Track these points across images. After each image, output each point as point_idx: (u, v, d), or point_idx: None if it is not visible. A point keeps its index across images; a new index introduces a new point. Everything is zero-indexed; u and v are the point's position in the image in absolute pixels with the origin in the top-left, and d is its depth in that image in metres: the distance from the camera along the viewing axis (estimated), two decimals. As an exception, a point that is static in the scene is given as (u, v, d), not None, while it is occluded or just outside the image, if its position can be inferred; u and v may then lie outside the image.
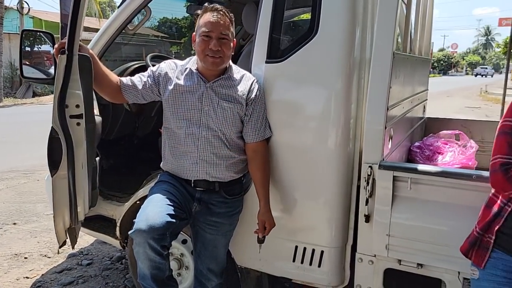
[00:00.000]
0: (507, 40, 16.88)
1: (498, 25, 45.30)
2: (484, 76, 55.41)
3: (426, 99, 3.34)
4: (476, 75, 58.82)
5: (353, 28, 1.89)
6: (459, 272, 1.79)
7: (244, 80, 1.97)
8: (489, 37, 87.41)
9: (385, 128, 1.87)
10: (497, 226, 1.40)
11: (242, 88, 1.94)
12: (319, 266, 2.06)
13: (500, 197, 1.43)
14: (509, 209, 1.37)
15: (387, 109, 1.86)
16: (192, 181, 1.97)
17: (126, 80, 1.98)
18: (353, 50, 1.92)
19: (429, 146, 2.81)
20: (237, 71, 2.00)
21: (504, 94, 13.75)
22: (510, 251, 1.38)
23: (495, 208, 1.42)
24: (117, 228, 2.58)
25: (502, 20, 32.64)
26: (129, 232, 1.77)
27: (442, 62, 72.00)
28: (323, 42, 1.89)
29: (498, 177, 1.34)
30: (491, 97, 21.33)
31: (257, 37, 2.03)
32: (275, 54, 1.99)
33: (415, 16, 2.68)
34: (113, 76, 1.97)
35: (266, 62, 2.01)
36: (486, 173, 1.72)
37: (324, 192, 2.02)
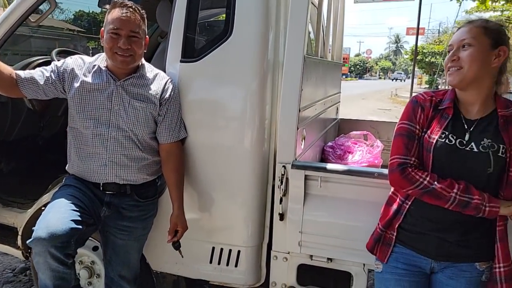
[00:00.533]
0: (413, 48, 18.52)
1: (406, 34, 49.48)
2: (400, 80, 60.64)
3: (339, 101, 3.53)
4: (393, 80, 64.02)
5: (266, 31, 1.93)
6: (364, 264, 1.91)
7: (158, 79, 1.91)
8: (398, 45, 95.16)
9: (298, 128, 1.93)
10: (398, 223, 1.51)
11: (155, 88, 1.88)
12: (236, 266, 2.07)
13: (399, 195, 1.54)
14: (407, 206, 1.48)
15: (299, 110, 1.93)
16: (101, 184, 1.87)
17: (24, 73, 1.81)
18: (267, 53, 1.96)
19: (341, 146, 2.97)
20: (150, 70, 1.93)
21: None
22: (410, 245, 1.49)
23: (395, 206, 1.53)
24: (19, 237, 2.36)
25: (409, 29, 35.76)
26: (27, 241, 1.62)
27: (358, 66, 76.89)
28: (238, 43, 1.91)
29: (396, 176, 1.44)
30: (400, 99, 23.25)
31: (171, 35, 1.98)
32: (190, 53, 1.97)
33: (327, 22, 2.82)
34: (5, 68, 1.78)
35: (181, 62, 1.97)
36: (386, 171, 1.86)
37: (240, 192, 2.03)
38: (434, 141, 1.39)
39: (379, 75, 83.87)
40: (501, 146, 1.36)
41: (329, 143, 2.97)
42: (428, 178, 1.38)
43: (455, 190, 1.34)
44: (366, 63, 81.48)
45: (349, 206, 1.93)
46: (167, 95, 1.89)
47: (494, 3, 10.32)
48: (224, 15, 2.00)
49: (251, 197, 2.03)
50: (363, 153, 2.91)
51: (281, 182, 1.94)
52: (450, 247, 1.42)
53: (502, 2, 10.01)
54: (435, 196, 1.37)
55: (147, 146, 1.90)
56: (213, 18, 2.96)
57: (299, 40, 1.88)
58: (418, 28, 15.96)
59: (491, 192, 1.38)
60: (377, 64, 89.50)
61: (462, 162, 1.37)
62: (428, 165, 1.41)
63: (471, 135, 1.38)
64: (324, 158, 2.87)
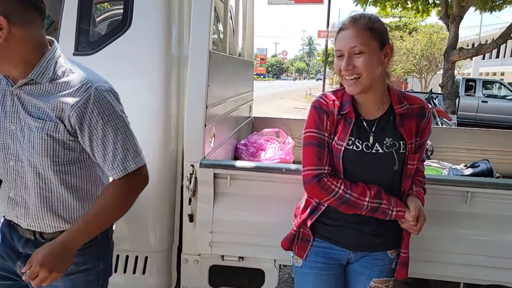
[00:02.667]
0: (324, 50, 19.51)
1: (318, 36, 51.99)
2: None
3: (252, 100, 3.54)
4: (317, 80, 67.37)
5: (168, 25, 1.85)
6: (275, 260, 1.92)
7: (67, 84, 1.22)
8: (311, 47, 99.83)
9: (205, 126, 1.88)
10: (311, 221, 1.50)
11: (59, 98, 1.20)
12: (143, 273, 1.95)
13: (315, 200, 1.52)
14: (323, 208, 1.48)
15: (206, 107, 1.87)
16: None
17: None
18: (170, 47, 1.87)
19: (253, 144, 2.98)
20: (61, 69, 1.24)
21: (323, 97, 15.69)
22: (330, 238, 1.51)
23: (310, 208, 1.52)
24: None
25: (321, 32, 37.59)
26: None
27: (275, 67, 79.09)
28: (137, 37, 1.80)
29: (313, 187, 1.44)
30: (314, 99, 24.28)
31: (62, 26, 1.81)
32: (85, 46, 1.81)
33: (235, 19, 2.80)
34: None
35: (74, 55, 1.80)
36: (293, 166, 1.89)
37: (147, 195, 1.91)
38: (343, 149, 1.41)
39: (294, 75, 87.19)
40: (401, 143, 1.42)
41: (242, 141, 2.96)
42: (342, 187, 1.40)
43: (367, 198, 1.39)
44: (282, 64, 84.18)
45: (259, 203, 1.92)
46: (79, 111, 1.19)
47: (393, 10, 11.25)
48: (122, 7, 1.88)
49: (158, 199, 1.93)
50: (275, 150, 2.94)
51: (190, 182, 1.87)
52: (367, 237, 1.48)
53: (400, 9, 10.94)
54: (350, 205, 1.41)
55: (58, 183, 1.27)
56: (111, 9, 2.79)
57: (203, 34, 1.83)
58: (327, 31, 16.82)
59: (398, 185, 1.46)
60: (292, 65, 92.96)
61: (371, 164, 1.42)
62: (339, 171, 1.44)
63: (375, 136, 1.42)
64: (237, 156, 2.85)
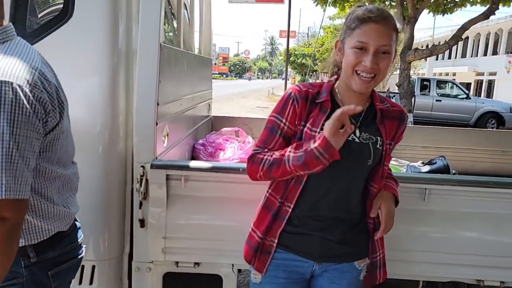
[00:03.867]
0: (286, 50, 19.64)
1: (279, 36, 52.42)
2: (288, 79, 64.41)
3: (211, 98, 3.43)
4: (283, 79, 67.76)
5: (115, 15, 1.72)
6: (233, 265, 1.83)
7: None
8: (273, 46, 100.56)
9: (157, 124, 1.76)
10: (280, 228, 1.37)
11: None
12: (90, 283, 1.81)
13: (277, 197, 1.39)
14: (289, 210, 1.36)
15: (158, 104, 1.76)
16: None
17: None
18: (117, 40, 1.74)
19: (212, 143, 2.87)
20: None
21: (285, 96, 15.78)
22: (292, 248, 1.37)
23: (274, 209, 1.39)
24: None
25: (282, 32, 37.84)
26: None
27: (237, 66, 79.04)
28: (79, 28, 1.66)
29: (248, 166, 1.36)
30: (276, 98, 24.50)
31: (-7, 14, 1.63)
32: (20, 36, 1.63)
33: (191, 14, 2.69)
34: None
35: (7, 47, 1.63)
36: (251, 166, 1.81)
37: (94, 198, 1.78)
38: (316, 134, 1.29)
39: (258, 75, 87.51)
40: (379, 138, 1.35)
41: (200, 141, 2.85)
42: (269, 153, 1.32)
43: (289, 149, 1.29)
44: (245, 63, 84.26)
45: (216, 205, 1.82)
46: None
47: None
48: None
49: (106, 203, 1.79)
50: (234, 150, 2.85)
51: (140, 184, 1.75)
52: (333, 246, 1.36)
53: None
54: (277, 165, 1.28)
55: None
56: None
57: (153, 25, 1.71)
58: (288, 31, 16.93)
59: (368, 184, 1.40)
60: (255, 64, 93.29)
61: (344, 152, 1.26)
62: None
63: (359, 129, 1.33)
64: (195, 156, 2.74)
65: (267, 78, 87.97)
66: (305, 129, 1.33)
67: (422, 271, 1.81)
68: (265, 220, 1.39)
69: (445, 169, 2.29)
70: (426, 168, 2.12)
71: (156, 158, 1.77)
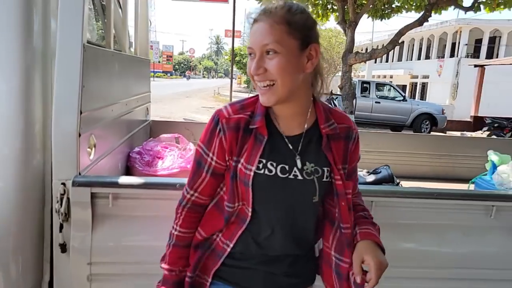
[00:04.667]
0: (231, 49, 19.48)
1: (225, 36, 52.19)
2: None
3: (149, 102, 3.21)
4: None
5: (28, 10, 1.48)
6: (169, 289, 1.66)
7: None
8: (219, 45, 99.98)
9: (80, 135, 1.55)
10: (216, 267, 1.20)
11: None
12: (1, 320, 1.55)
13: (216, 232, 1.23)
14: (229, 250, 1.19)
15: (81, 112, 1.54)
16: None
17: None
18: (32, 38, 1.51)
19: (149, 151, 2.67)
20: None
21: (231, 96, 15.86)
22: (233, 282, 1.21)
23: (211, 245, 1.23)
24: None
25: (228, 31, 37.69)
26: None
27: (182, 65, 77.67)
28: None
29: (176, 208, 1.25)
30: (222, 98, 24.32)
31: None
32: None
33: (124, 11, 2.46)
34: None
35: None
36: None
37: (6, 220, 1.53)
38: (252, 174, 1.11)
39: (203, 74, 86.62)
40: (325, 169, 1.15)
41: (136, 149, 2.63)
42: (178, 228, 1.23)
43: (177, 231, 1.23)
44: (190, 62, 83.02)
45: (150, 225, 1.64)
46: None
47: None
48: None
49: (20, 225, 1.55)
50: (174, 158, 2.67)
51: (61, 204, 1.53)
52: (278, 279, 1.21)
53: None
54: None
55: None
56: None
57: (75, 22, 1.50)
58: (233, 30, 16.80)
59: (313, 219, 1.22)
60: (200, 63, 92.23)
61: (287, 193, 1.13)
62: (248, 200, 1.15)
63: (301, 157, 1.14)
64: (130, 166, 2.52)
65: (212, 78, 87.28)
66: (239, 165, 1.14)
67: None
68: (194, 255, 1.23)
69: (390, 178, 2.28)
70: (372, 177, 2.09)
71: (80, 173, 1.55)
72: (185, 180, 1.57)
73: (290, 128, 1.16)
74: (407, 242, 1.74)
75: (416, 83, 26.61)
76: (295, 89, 1.10)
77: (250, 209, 1.15)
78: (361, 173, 2.25)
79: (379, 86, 15.06)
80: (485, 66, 15.93)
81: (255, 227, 1.17)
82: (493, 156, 2.10)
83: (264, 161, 1.11)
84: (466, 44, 21.97)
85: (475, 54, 22.76)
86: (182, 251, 1.24)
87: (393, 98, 14.55)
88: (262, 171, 1.11)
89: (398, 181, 2.39)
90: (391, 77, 28.50)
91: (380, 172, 2.37)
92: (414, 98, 22.61)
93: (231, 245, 1.18)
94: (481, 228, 1.74)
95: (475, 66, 16.25)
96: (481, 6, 8.54)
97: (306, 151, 1.15)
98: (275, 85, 1.06)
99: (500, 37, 22.76)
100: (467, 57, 21.56)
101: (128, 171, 2.48)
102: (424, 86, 25.58)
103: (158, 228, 1.63)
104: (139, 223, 1.63)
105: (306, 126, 1.16)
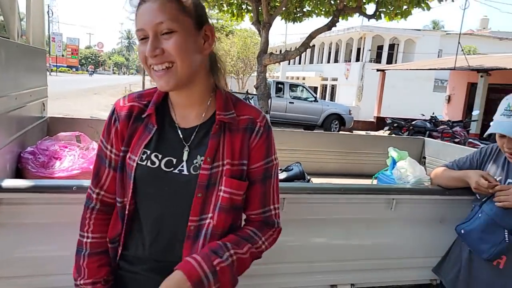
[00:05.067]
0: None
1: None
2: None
3: (46, 96, 2.90)
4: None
5: None
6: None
7: None
8: (130, 41, 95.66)
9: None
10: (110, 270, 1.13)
11: None
12: None
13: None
14: (120, 251, 1.11)
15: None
16: None
17: None
18: None
19: (45, 151, 2.40)
20: None
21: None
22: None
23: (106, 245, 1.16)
24: None
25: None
26: None
27: (89, 59, 73.01)
28: None
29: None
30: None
31: None
32: None
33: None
34: None
35: None
36: (87, 182, 1.49)
37: None
38: (134, 165, 1.04)
39: (113, 70, 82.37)
40: (221, 163, 1.05)
41: (29, 148, 2.35)
42: (89, 234, 1.12)
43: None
44: (99, 57, 78.41)
45: (44, 233, 1.46)
46: None
47: (210, 11, 11.51)
48: None
49: None
50: (74, 158, 2.43)
51: None
52: None
53: (217, 11, 11.25)
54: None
55: None
56: None
57: None
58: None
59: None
60: (110, 59, 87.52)
61: (170, 189, 1.04)
62: (129, 196, 1.07)
63: (189, 152, 1.05)
64: (21, 168, 2.24)
65: (124, 74, 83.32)
66: (126, 156, 1.07)
67: (277, 284, 1.75)
68: (89, 264, 1.14)
69: (301, 175, 2.33)
70: (284, 174, 2.12)
71: (-49, 178, 1.32)
72: (84, 182, 1.44)
73: (187, 119, 1.09)
74: (318, 237, 1.78)
75: (326, 85, 28.18)
76: (194, 72, 1.03)
77: (130, 206, 1.08)
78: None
79: (293, 87, 15.63)
80: (385, 71, 17.38)
81: (140, 227, 1.10)
82: (392, 153, 2.25)
83: (148, 152, 1.05)
84: (370, 50, 23.78)
85: (377, 59, 24.75)
86: (101, 258, 1.12)
87: (305, 99, 15.20)
88: (144, 163, 1.05)
89: (309, 177, 2.45)
90: (303, 78, 29.81)
91: (292, 169, 2.42)
92: (324, 99, 23.91)
93: (120, 247, 1.11)
94: (383, 220, 1.84)
95: (377, 70, 17.66)
96: (382, 15, 9.28)
97: (200, 144, 1.06)
98: (174, 67, 0.99)
99: (398, 44, 25.03)
100: (371, 62, 23.33)
101: (20, 174, 2.21)
102: (333, 88, 27.17)
103: (54, 236, 1.47)
104: (30, 231, 1.44)
105: (204, 116, 1.08)
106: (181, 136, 1.06)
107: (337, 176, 3.63)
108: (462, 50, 13.29)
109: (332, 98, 26.00)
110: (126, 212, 1.08)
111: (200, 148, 1.05)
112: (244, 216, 1.17)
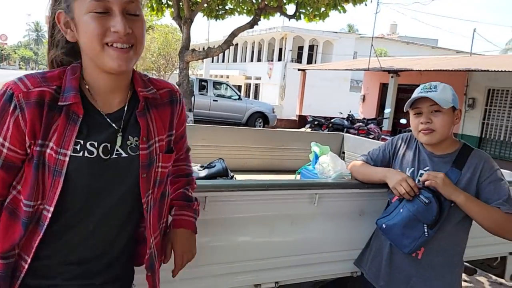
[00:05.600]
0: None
1: (46, 23, 46.31)
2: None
3: None
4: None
5: None
6: None
7: None
8: (40, 33, 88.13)
9: None
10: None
11: None
12: None
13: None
14: (26, 266, 0.97)
15: None
16: None
17: None
18: None
19: None
20: None
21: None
22: None
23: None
24: None
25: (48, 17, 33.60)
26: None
27: (-8, 53, 66.07)
28: None
29: None
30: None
31: None
32: None
33: None
34: None
35: None
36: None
37: None
38: (67, 159, 0.93)
39: (19, 64, 75.48)
40: (153, 140, 1.06)
41: None
42: None
43: None
44: (2, 50, 71.32)
45: None
46: None
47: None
48: None
49: None
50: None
51: None
52: None
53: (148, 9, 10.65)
54: None
55: None
56: None
57: None
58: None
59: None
60: (15, 52, 79.99)
61: (111, 176, 1.00)
62: (53, 197, 0.93)
63: (122, 134, 1.01)
64: None
65: (32, 69, 76.67)
66: (48, 151, 0.93)
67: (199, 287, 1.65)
68: None
69: (224, 172, 2.24)
70: (205, 172, 2.00)
71: None
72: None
73: (110, 104, 1.03)
74: (241, 236, 1.71)
75: (250, 83, 28.51)
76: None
77: (51, 208, 0.94)
78: (195, 168, 2.15)
79: (216, 84, 15.53)
80: (306, 70, 18.02)
81: (65, 228, 0.99)
82: (315, 148, 2.27)
83: (82, 142, 0.96)
84: (291, 50, 24.52)
85: (298, 59, 25.58)
86: None
87: (229, 97, 15.19)
88: (80, 154, 0.95)
89: (232, 174, 2.38)
90: (227, 77, 29.83)
91: (215, 166, 2.32)
92: (249, 97, 24.15)
93: (29, 260, 0.96)
94: (306, 216, 1.82)
95: (298, 70, 18.24)
96: (302, 16, 9.56)
97: (129, 125, 1.04)
98: (134, 48, 0.97)
99: (317, 45, 26.13)
100: (292, 62, 24.04)
101: None
102: (257, 87, 27.56)
103: None
104: None
105: (128, 97, 1.05)
106: (109, 120, 1.00)
107: (262, 172, 3.61)
108: (375, 52, 14.24)
109: (256, 97, 26.36)
110: (49, 215, 0.94)
111: (131, 129, 1.03)
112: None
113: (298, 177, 2.28)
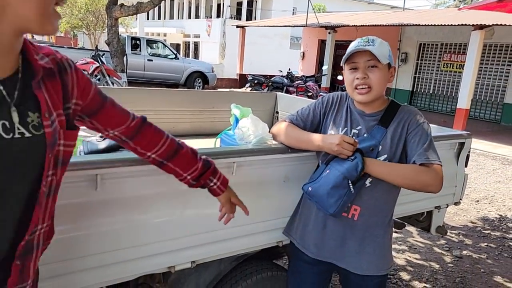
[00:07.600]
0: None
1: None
2: None
3: None
4: None
5: None
6: None
7: None
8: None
9: None
10: None
11: None
12: None
13: None
14: None
15: None
16: None
17: None
18: None
19: None
20: None
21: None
22: None
23: None
24: None
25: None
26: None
27: None
28: None
29: None
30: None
31: None
32: None
33: None
34: None
35: None
36: None
37: None
38: None
39: None
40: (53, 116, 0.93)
41: None
42: None
43: None
44: None
45: None
46: None
47: None
48: None
49: None
50: None
51: None
52: None
53: None
54: None
55: None
56: None
57: None
58: None
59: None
60: None
61: (17, 161, 0.87)
62: None
63: (18, 109, 0.87)
64: None
65: None
66: None
67: (104, 276, 1.44)
68: None
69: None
70: (106, 143, 1.69)
71: None
72: None
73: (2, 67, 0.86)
74: (148, 215, 1.49)
75: (189, 42, 27.37)
76: None
77: None
78: (94, 138, 1.82)
79: (151, 43, 14.65)
80: (245, 27, 17.50)
81: None
82: (235, 110, 2.04)
83: None
84: (229, 6, 23.63)
85: (238, 16, 24.82)
86: None
87: (165, 56, 14.44)
88: None
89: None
90: (164, 35, 28.35)
91: (117, 136, 2.02)
92: (188, 57, 23.23)
93: None
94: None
95: (237, 27, 17.67)
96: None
97: (24, 98, 0.88)
98: None
99: (256, 1, 25.40)
100: (231, 18, 23.28)
101: None
102: (196, 45, 26.51)
103: None
104: None
105: (20, 63, 0.89)
106: (4, 93, 0.84)
107: (190, 136, 3.37)
108: (313, 8, 14.04)
109: (196, 56, 25.47)
110: None
111: (26, 103, 0.88)
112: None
113: (218, 142, 2.06)
